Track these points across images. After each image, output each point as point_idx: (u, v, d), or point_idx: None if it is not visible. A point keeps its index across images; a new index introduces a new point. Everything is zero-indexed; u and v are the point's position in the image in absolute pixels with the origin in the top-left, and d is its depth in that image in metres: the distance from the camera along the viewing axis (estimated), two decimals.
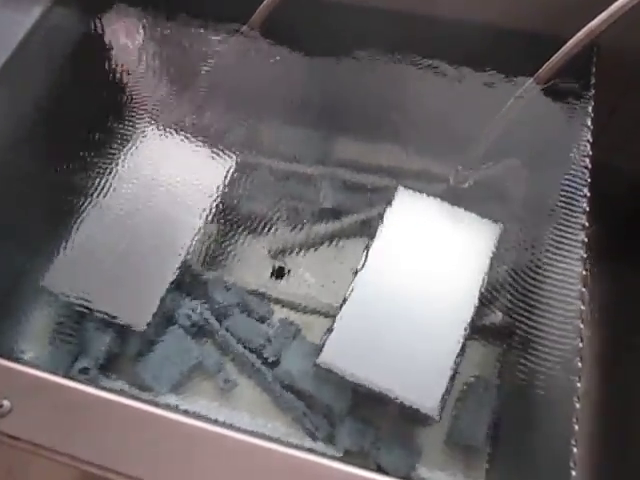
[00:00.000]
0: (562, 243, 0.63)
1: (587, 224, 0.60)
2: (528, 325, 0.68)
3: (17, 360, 0.51)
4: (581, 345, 0.53)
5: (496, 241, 0.73)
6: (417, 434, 0.72)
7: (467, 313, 0.70)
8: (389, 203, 0.77)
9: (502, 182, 0.78)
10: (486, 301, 0.72)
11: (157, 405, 0.50)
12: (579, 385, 0.51)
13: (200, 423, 0.48)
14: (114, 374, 0.76)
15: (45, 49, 0.81)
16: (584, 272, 0.57)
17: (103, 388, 0.51)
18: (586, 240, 0.59)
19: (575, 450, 0.47)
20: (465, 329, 0.69)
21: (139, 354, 0.76)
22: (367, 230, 0.81)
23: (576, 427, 0.49)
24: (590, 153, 0.63)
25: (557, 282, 0.62)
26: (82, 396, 0.50)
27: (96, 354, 0.75)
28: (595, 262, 0.61)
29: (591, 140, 0.64)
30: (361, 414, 0.71)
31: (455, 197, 0.75)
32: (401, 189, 0.78)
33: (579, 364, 0.52)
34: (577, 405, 0.50)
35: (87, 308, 0.73)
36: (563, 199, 0.65)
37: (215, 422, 0.51)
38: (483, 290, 0.71)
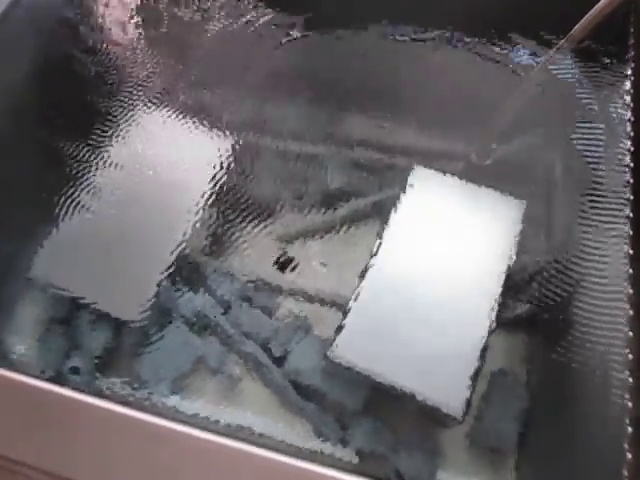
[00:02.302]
0: (602, 219, 0.56)
1: (632, 197, 0.53)
2: (563, 313, 0.61)
3: None
4: (631, 334, 0.46)
5: (522, 220, 0.67)
6: (438, 436, 0.66)
7: (493, 301, 0.64)
8: (404, 183, 0.71)
9: (529, 156, 0.71)
10: (514, 287, 0.66)
11: (146, 410, 0.44)
12: (631, 380, 0.44)
13: (196, 432, 0.42)
14: (109, 371, 0.72)
15: (30, 21, 0.76)
16: (631, 251, 0.50)
17: (84, 390, 0.44)
18: (631, 215, 0.52)
19: (630, 455, 0.41)
20: (491, 319, 0.63)
21: (135, 349, 0.71)
22: (380, 213, 0.76)
23: (630, 429, 0.42)
24: (632, 119, 0.56)
25: (598, 263, 0.56)
26: (61, 400, 0.44)
27: (89, 349, 0.71)
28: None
29: (632, 105, 0.57)
30: (377, 414, 0.66)
31: (476, 175, 0.69)
32: (417, 167, 0.72)
33: (630, 356, 0.46)
34: (629, 403, 0.43)
35: (78, 299, 0.69)
36: (601, 171, 0.58)
37: (212, 430, 0.44)
38: (510, 275, 0.65)
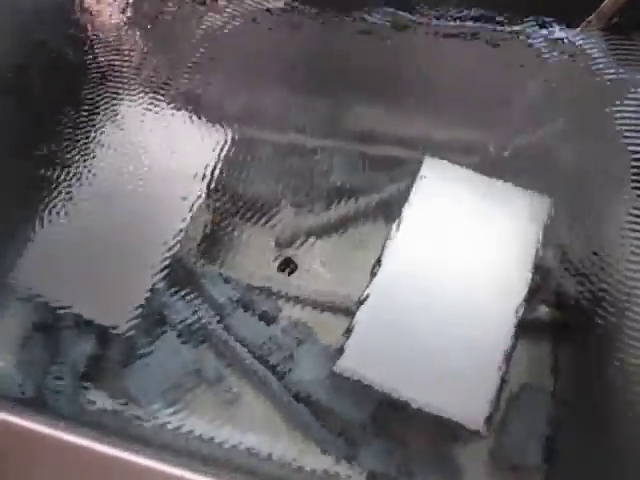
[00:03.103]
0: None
1: None
2: (593, 318, 0.56)
3: None
4: None
5: (547, 218, 0.62)
6: (457, 454, 0.61)
7: (516, 305, 0.59)
8: (415, 178, 0.66)
9: (555, 145, 0.66)
10: (538, 290, 0.61)
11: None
12: None
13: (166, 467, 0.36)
14: (95, 386, 0.66)
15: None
16: None
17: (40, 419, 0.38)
18: None
19: None
20: (515, 325, 0.58)
21: (124, 361, 0.66)
22: (389, 211, 0.71)
23: None
24: None
25: (635, 263, 0.50)
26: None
27: (74, 362, 0.66)
28: None
29: None
30: (389, 430, 0.61)
31: (495, 167, 0.64)
32: (429, 160, 0.67)
33: None
34: None
35: (61, 308, 0.63)
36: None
37: (182, 464, 0.39)
38: (534, 277, 0.59)
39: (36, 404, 0.61)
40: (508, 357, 0.57)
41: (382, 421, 0.61)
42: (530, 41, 0.64)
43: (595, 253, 0.61)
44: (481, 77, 0.67)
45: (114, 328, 0.62)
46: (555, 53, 0.62)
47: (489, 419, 0.54)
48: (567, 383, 0.63)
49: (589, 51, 0.60)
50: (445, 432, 0.59)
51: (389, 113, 0.76)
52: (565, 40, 0.62)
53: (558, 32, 0.62)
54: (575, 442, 0.59)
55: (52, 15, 0.76)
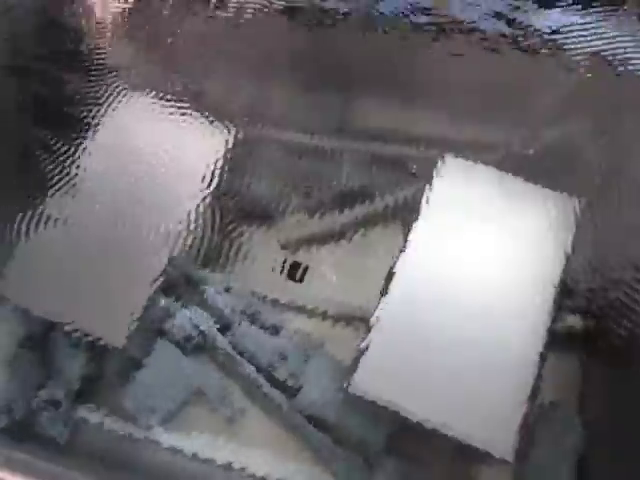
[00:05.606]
0: None
1: None
2: (628, 329, 0.52)
3: None
4: None
5: (577, 221, 0.58)
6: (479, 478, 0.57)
7: (544, 318, 0.55)
8: (432, 178, 0.62)
9: (584, 142, 0.61)
10: (568, 300, 0.57)
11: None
12: None
13: None
14: (90, 405, 0.64)
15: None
16: None
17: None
18: None
19: None
20: (543, 338, 0.54)
21: (121, 378, 0.63)
22: (404, 215, 0.68)
23: None
24: None
25: None
26: None
27: (67, 379, 0.63)
28: None
29: None
30: (405, 453, 0.58)
31: (519, 166, 0.60)
32: (448, 159, 0.63)
33: None
34: None
35: (53, 321, 0.61)
36: None
37: None
38: (564, 285, 0.55)
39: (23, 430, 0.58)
40: (537, 376, 0.53)
41: (399, 445, 0.58)
42: (555, 35, 0.60)
43: (630, 259, 0.56)
44: (502, 70, 0.63)
45: (109, 341, 0.59)
46: (584, 42, 0.57)
47: (517, 445, 0.50)
48: (599, 402, 0.59)
49: (623, 42, 0.56)
50: (468, 457, 0.56)
51: (402, 110, 0.73)
52: (596, 28, 0.57)
53: (588, 19, 0.57)
54: (608, 469, 0.55)
55: (49, 13, 0.73)
